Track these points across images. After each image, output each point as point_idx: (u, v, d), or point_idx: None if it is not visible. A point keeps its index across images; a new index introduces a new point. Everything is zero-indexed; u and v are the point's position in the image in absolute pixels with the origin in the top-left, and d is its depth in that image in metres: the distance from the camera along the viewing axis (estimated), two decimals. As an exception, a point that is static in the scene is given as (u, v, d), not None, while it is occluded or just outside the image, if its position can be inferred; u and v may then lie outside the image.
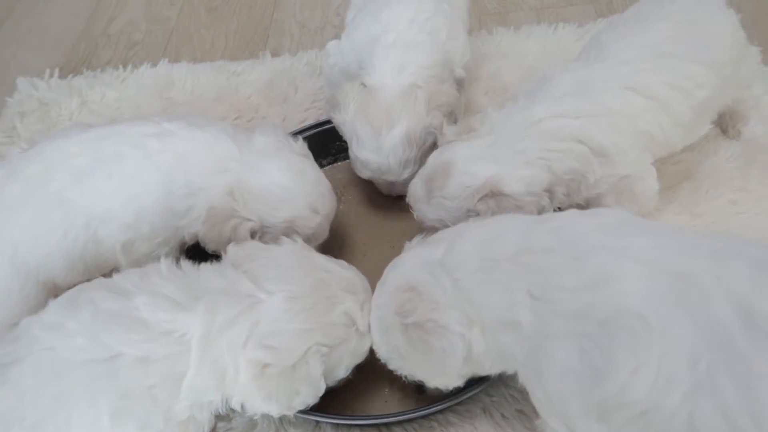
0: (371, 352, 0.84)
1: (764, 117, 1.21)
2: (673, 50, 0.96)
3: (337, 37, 1.62)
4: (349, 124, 1.08)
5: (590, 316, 0.62)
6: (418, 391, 0.92)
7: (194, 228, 0.97)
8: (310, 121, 1.33)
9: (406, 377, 0.81)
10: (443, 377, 0.78)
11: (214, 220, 0.94)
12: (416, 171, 1.05)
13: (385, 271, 0.84)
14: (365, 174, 1.11)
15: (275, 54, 1.60)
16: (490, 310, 0.71)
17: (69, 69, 1.64)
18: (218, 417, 0.89)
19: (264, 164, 0.97)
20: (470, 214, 0.92)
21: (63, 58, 1.70)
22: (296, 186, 0.98)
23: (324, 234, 1.04)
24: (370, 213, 1.19)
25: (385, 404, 0.92)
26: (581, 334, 0.62)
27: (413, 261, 0.80)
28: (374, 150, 1.06)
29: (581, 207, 0.94)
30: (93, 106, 1.48)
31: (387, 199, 1.19)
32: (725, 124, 1.20)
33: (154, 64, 1.58)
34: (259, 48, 1.65)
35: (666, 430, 0.57)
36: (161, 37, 1.75)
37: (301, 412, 0.86)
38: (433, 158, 0.99)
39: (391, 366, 0.82)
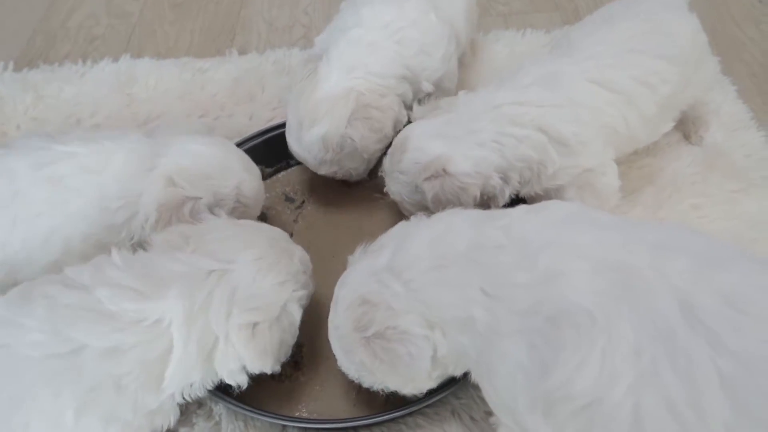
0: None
1: (723, 124, 1.25)
2: (639, 47, 0.98)
3: (305, 36, 1.63)
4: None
5: (539, 312, 0.63)
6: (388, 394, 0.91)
7: (141, 235, 0.92)
8: (278, 120, 1.30)
9: (382, 390, 0.80)
10: (414, 382, 0.77)
11: (167, 214, 0.91)
12: (334, 170, 1.10)
13: (335, 291, 0.82)
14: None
15: (242, 52, 1.57)
16: (446, 309, 0.70)
17: (24, 62, 1.57)
18: (181, 422, 0.86)
19: (188, 147, 0.97)
20: (419, 191, 0.95)
21: (18, 51, 1.63)
22: (227, 154, 1.00)
23: (262, 198, 1.06)
24: (339, 213, 1.17)
25: (353, 407, 0.91)
26: (531, 329, 0.63)
27: (359, 274, 0.79)
28: (295, 140, 1.09)
29: (539, 197, 0.96)
30: (50, 101, 1.43)
31: (355, 200, 1.18)
32: (688, 130, 1.23)
33: (116, 59, 1.54)
34: (225, 45, 1.61)
35: (610, 423, 0.57)
36: (123, 31, 1.70)
37: (269, 414, 0.85)
38: (400, 133, 1.02)
39: (365, 383, 0.80)
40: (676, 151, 1.21)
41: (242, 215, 0.99)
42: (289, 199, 1.20)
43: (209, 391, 0.85)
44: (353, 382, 0.92)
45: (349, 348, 0.77)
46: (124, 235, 0.92)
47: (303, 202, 1.20)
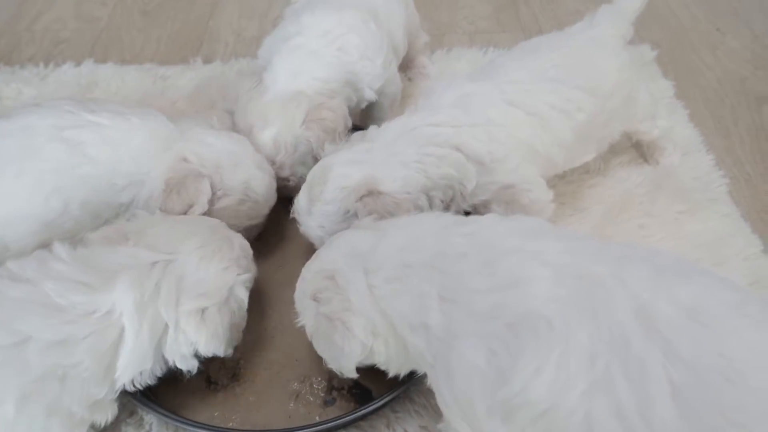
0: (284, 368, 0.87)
1: (678, 146, 1.25)
2: (558, 76, 1.00)
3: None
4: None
5: (499, 317, 0.63)
6: (323, 406, 0.91)
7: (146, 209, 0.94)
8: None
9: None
10: (338, 367, 0.79)
11: (171, 185, 0.93)
12: (287, 175, 1.09)
13: (328, 241, 0.86)
14: None
15: (207, 61, 1.57)
16: (401, 318, 0.71)
17: (-14, 64, 1.56)
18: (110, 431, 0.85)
19: (204, 138, 1.00)
20: (347, 216, 0.93)
21: (-20, 53, 1.62)
22: (241, 150, 1.03)
23: (273, 197, 1.07)
24: (287, 226, 1.15)
25: (288, 419, 0.89)
26: (490, 334, 0.62)
27: (345, 245, 0.81)
28: None
29: (468, 214, 0.96)
30: (7, 103, 1.42)
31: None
32: (644, 153, 1.25)
33: (79, 64, 1.53)
34: (191, 54, 1.61)
35: (564, 430, 0.57)
36: (89, 36, 1.69)
37: (200, 425, 0.84)
38: (312, 169, 1.00)
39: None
40: (626, 172, 1.23)
41: (251, 210, 1.03)
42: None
43: (140, 400, 0.85)
44: (289, 394, 0.91)
45: (301, 307, 0.82)
46: (123, 212, 0.94)
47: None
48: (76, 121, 0.93)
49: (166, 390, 0.91)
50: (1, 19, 1.75)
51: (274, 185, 1.06)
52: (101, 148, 0.92)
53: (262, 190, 1.03)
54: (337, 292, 0.76)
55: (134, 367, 0.77)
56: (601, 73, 1.03)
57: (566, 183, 1.19)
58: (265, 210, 1.07)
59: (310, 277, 0.82)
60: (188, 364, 0.82)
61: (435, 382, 0.70)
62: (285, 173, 1.10)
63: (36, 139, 0.90)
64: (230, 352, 0.86)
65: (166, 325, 0.79)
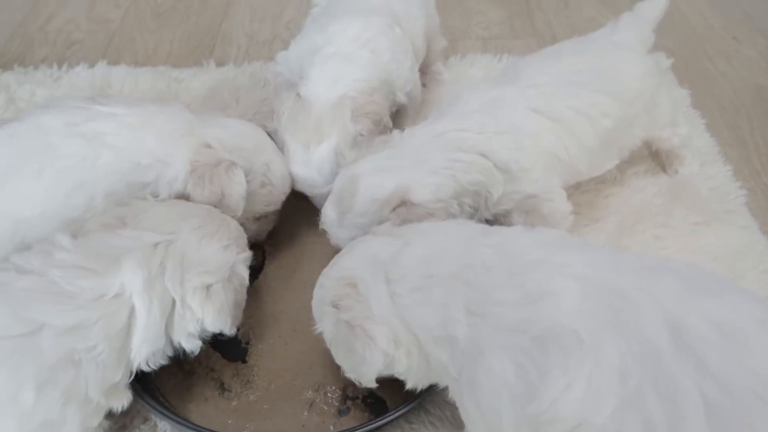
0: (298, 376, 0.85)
1: (696, 155, 1.24)
2: (582, 81, 0.99)
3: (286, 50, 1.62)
4: (280, 134, 1.08)
5: (526, 331, 0.62)
6: (338, 415, 0.90)
7: (167, 192, 0.95)
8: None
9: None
10: (356, 375, 0.78)
11: (201, 169, 0.94)
12: None
13: (346, 247, 0.85)
14: (296, 186, 1.10)
15: (220, 64, 1.57)
16: (425, 329, 0.70)
17: (-1, 64, 1.56)
18: None
19: (226, 122, 1.03)
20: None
21: (-6, 53, 1.62)
22: (260, 135, 1.06)
23: (289, 185, 1.08)
24: (302, 230, 1.16)
25: (302, 429, 0.89)
26: (517, 348, 0.61)
27: (366, 252, 0.80)
28: (302, 163, 1.06)
29: (490, 223, 0.95)
30: (21, 104, 1.41)
31: (318, 217, 1.17)
32: (662, 163, 1.24)
33: (92, 65, 1.53)
34: (204, 57, 1.61)
35: None
36: (102, 38, 1.69)
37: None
38: (338, 179, 0.98)
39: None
40: (642, 182, 1.22)
41: (269, 194, 1.04)
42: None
43: (154, 407, 0.85)
44: (303, 403, 0.91)
45: (319, 313, 0.80)
46: (147, 193, 0.94)
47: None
48: (90, 115, 0.93)
49: (180, 397, 0.91)
50: (14, 19, 1.75)
51: (287, 172, 1.07)
52: (121, 134, 0.93)
53: (279, 173, 1.04)
54: (358, 300, 0.74)
55: (149, 346, 0.78)
56: (626, 78, 1.02)
57: (582, 193, 1.18)
58: (282, 197, 1.07)
59: (329, 283, 0.80)
60: (193, 344, 0.84)
61: (458, 395, 0.69)
62: None
63: (51, 138, 0.90)
64: (234, 331, 0.87)
65: (173, 303, 0.80)
